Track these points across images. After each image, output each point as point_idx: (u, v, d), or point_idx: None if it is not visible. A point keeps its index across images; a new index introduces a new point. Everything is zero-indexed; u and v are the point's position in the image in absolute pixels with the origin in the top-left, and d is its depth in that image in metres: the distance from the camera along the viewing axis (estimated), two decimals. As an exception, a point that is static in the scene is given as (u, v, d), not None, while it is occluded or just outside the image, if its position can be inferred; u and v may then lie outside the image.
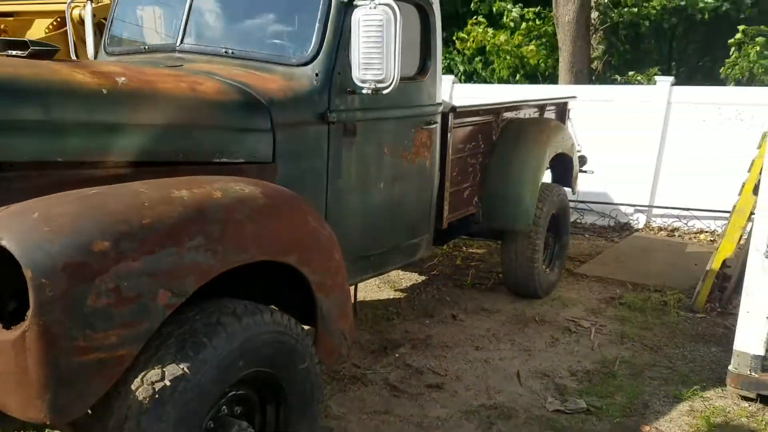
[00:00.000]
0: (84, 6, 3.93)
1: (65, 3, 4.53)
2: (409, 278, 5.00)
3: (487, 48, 10.68)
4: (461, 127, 3.87)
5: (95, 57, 3.40)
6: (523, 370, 3.48)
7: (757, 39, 8.69)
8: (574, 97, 5.55)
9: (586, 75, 9.22)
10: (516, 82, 10.51)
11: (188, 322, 1.82)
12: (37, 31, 4.74)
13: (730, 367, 3.21)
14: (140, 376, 1.72)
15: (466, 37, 10.81)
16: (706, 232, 6.36)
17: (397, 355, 3.60)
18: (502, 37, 10.39)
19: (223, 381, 1.85)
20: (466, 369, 3.48)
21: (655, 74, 9.97)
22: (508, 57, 10.49)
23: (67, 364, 1.58)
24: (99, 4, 3.91)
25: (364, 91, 2.59)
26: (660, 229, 6.59)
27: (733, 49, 8.94)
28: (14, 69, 1.98)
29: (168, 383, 1.71)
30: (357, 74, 2.55)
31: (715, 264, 4.47)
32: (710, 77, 10.04)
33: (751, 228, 3.47)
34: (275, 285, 2.24)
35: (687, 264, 5.37)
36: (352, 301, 2.80)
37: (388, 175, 3.10)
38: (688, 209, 6.47)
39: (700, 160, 6.40)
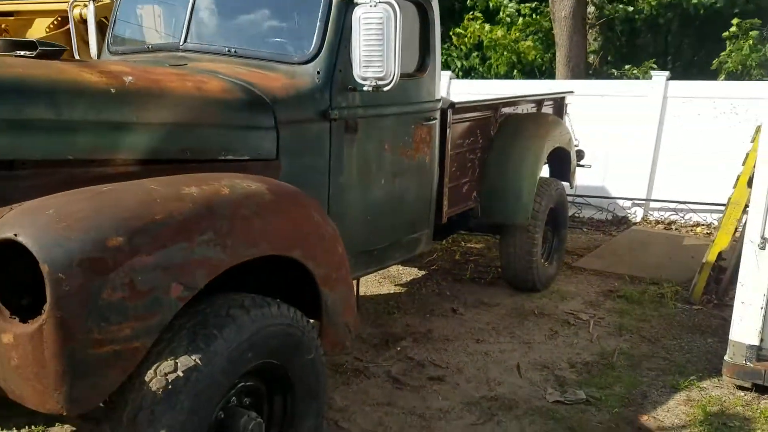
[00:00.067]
0: (85, 5, 3.97)
1: (66, 2, 4.56)
2: (409, 273, 5.05)
3: (485, 43, 10.71)
4: (460, 123, 3.92)
5: (98, 56, 3.44)
6: (523, 363, 3.53)
7: (750, 33, 8.76)
8: (571, 92, 5.61)
9: (582, 70, 9.27)
10: (513, 78, 10.55)
11: (199, 314, 1.87)
12: (38, 30, 4.76)
13: (725, 357, 3.27)
14: (154, 368, 1.76)
15: (463, 32, 10.84)
16: (703, 224, 6.43)
17: (398, 349, 3.66)
18: (499, 33, 10.42)
19: (233, 372, 1.90)
20: (466, 361, 3.54)
21: (651, 67, 10.03)
22: (505, 52, 10.53)
23: (83, 356, 1.62)
24: (99, 3, 3.94)
25: (365, 89, 2.63)
26: (657, 222, 6.65)
27: (728, 42, 9.02)
28: (24, 69, 2.02)
29: (181, 374, 1.76)
30: (358, 72, 2.60)
31: (711, 256, 4.54)
32: (706, 71, 10.08)
33: (746, 220, 3.52)
34: (278, 280, 2.29)
35: (684, 257, 5.43)
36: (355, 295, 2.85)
37: (389, 171, 3.15)
38: (684, 202, 6.54)
39: (696, 153, 6.46)
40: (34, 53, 2.14)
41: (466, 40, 10.80)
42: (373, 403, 3.08)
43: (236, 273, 1.97)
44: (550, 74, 10.34)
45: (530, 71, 10.99)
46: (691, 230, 6.39)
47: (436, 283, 4.83)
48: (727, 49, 9.07)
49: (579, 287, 4.80)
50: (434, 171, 3.56)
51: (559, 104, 5.31)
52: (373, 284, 4.73)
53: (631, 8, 10.27)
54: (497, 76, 10.79)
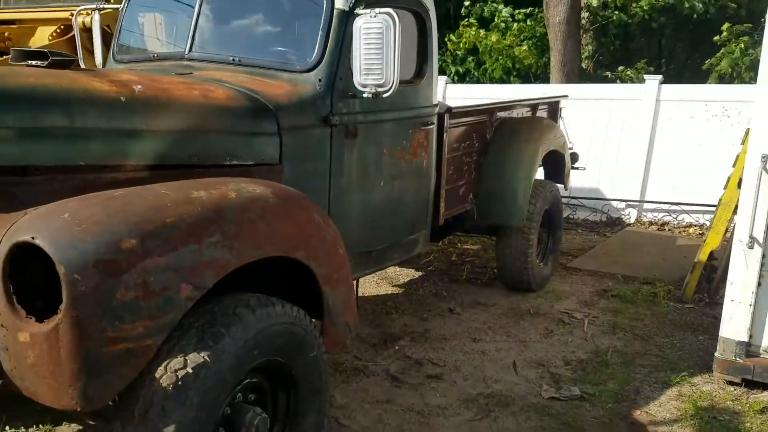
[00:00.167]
0: (89, 14, 4.05)
1: (67, 11, 4.64)
2: (407, 274, 5.13)
3: (480, 49, 10.82)
4: (456, 127, 4.01)
5: (103, 65, 3.51)
6: (519, 361, 3.62)
7: (741, 38, 8.90)
8: (565, 96, 5.70)
9: (577, 74, 9.38)
10: (509, 82, 10.65)
11: (207, 313, 1.94)
12: (40, 38, 4.82)
13: (716, 354, 3.36)
14: (164, 365, 1.83)
15: (455, 40, 10.96)
16: (695, 225, 6.53)
17: (397, 348, 3.74)
18: (494, 38, 10.52)
19: (240, 369, 1.97)
20: (463, 360, 3.62)
21: (643, 67, 10.14)
22: (500, 58, 10.63)
23: (97, 354, 1.69)
24: (103, 11, 4.02)
25: (364, 95, 2.72)
26: (651, 223, 6.75)
27: (720, 46, 9.16)
28: (36, 79, 2.10)
29: (190, 371, 1.82)
30: (358, 79, 2.68)
31: (702, 256, 4.63)
32: (699, 75, 10.21)
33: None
34: (282, 281, 2.37)
35: (676, 257, 5.53)
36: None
37: (388, 174, 3.23)
38: (677, 204, 6.64)
39: (688, 155, 6.57)
40: (46, 63, 2.21)
41: (461, 45, 10.90)
42: (373, 400, 3.15)
43: (242, 273, 2.05)
44: (544, 79, 10.45)
45: (525, 76, 11.10)
46: (684, 231, 6.48)
47: (434, 283, 4.91)
48: (720, 52, 9.20)
49: (574, 287, 4.89)
50: (431, 174, 3.65)
51: (554, 108, 5.41)
52: (371, 285, 4.81)
53: (624, 16, 10.38)
54: (492, 81, 10.89)
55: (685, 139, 6.63)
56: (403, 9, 3.13)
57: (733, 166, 4.80)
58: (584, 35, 10.55)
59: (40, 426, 2.75)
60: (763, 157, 3.12)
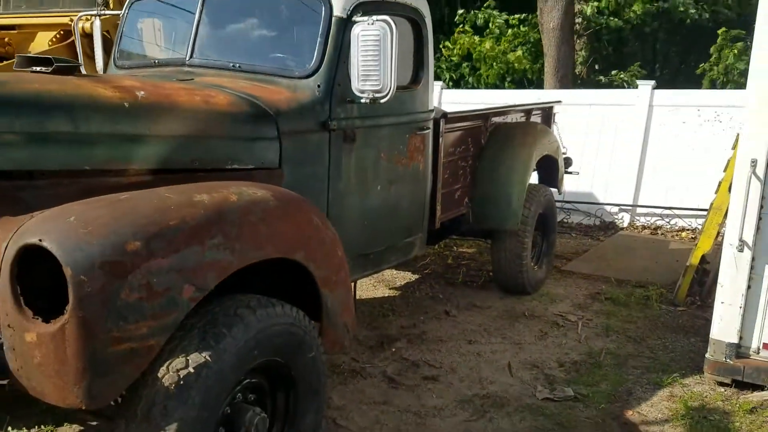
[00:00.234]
0: (87, 19, 4.09)
1: (67, 16, 4.68)
2: (403, 277, 5.18)
3: (474, 56, 10.90)
4: (452, 132, 4.06)
5: (104, 70, 3.56)
6: (514, 362, 3.67)
7: (735, 44, 9.00)
8: (559, 101, 5.77)
9: (570, 79, 9.46)
10: (503, 88, 10.73)
11: (209, 314, 1.99)
12: (40, 44, 4.86)
13: (706, 355, 3.42)
14: (166, 365, 1.86)
15: (451, 46, 11.04)
16: (688, 229, 6.60)
17: (393, 350, 3.78)
18: (488, 45, 10.61)
19: (240, 368, 2.01)
20: (459, 362, 3.66)
21: (637, 70, 10.23)
22: (494, 64, 10.72)
23: (102, 354, 1.73)
24: (103, 17, 4.06)
25: (362, 101, 2.78)
26: (644, 227, 6.81)
27: (713, 50, 9.26)
28: (41, 85, 2.14)
29: (192, 370, 1.86)
30: (356, 85, 2.74)
31: (694, 259, 4.69)
32: (693, 79, 10.31)
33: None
34: (282, 282, 2.41)
35: (669, 260, 5.59)
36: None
37: (385, 178, 3.28)
38: (670, 208, 6.70)
39: (681, 160, 6.64)
40: (50, 69, 2.26)
41: (455, 51, 10.98)
42: (370, 401, 3.19)
43: (243, 275, 2.10)
44: (539, 84, 10.53)
45: (519, 81, 11.19)
46: (677, 235, 6.56)
47: (430, 286, 4.96)
48: (712, 57, 9.30)
49: (568, 290, 4.95)
50: (428, 178, 3.70)
51: (548, 113, 5.47)
52: (368, 288, 4.86)
53: (619, 21, 10.48)
54: (487, 86, 10.97)
55: (677, 143, 6.71)
56: (400, 16, 3.19)
57: (725, 170, 4.86)
58: (578, 40, 10.64)
59: (42, 426, 2.78)
60: (752, 162, 3.19)
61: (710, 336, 3.39)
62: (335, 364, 3.51)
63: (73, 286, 1.68)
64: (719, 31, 9.31)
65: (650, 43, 13.31)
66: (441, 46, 11.15)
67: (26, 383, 1.83)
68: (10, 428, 2.72)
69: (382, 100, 2.74)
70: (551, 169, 5.08)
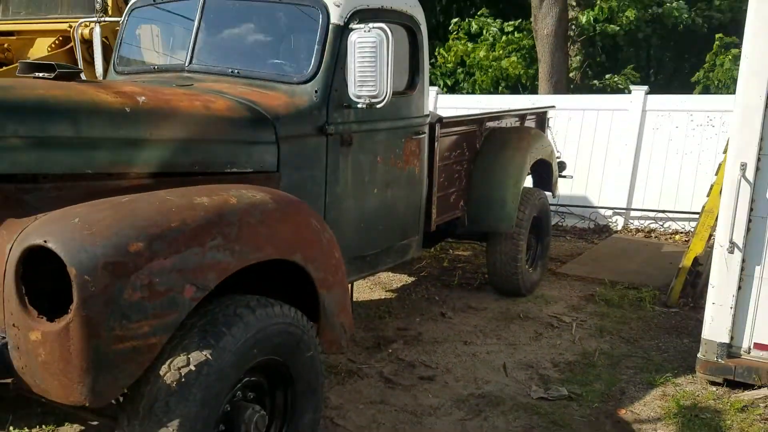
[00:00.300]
0: (86, 26, 4.14)
1: (66, 22, 4.73)
2: (400, 279, 5.23)
3: (468, 62, 10.99)
4: (447, 136, 4.12)
5: (104, 76, 3.60)
6: (509, 362, 3.71)
7: (731, 50, 9.09)
8: (553, 106, 5.84)
9: (564, 85, 9.55)
10: (498, 93, 10.82)
11: (209, 313, 2.03)
12: (39, 50, 4.90)
13: (698, 355, 3.46)
14: (168, 362, 1.90)
15: (445, 54, 11.13)
16: (681, 232, 6.66)
17: (390, 351, 3.82)
18: (482, 53, 10.69)
19: (240, 367, 2.05)
20: (455, 362, 3.71)
21: (631, 73, 10.31)
22: (489, 71, 10.81)
23: (105, 352, 1.77)
24: (103, 23, 4.11)
25: (359, 106, 2.83)
26: (637, 230, 6.88)
27: (708, 57, 9.36)
28: (45, 90, 2.18)
29: (193, 368, 1.90)
30: (353, 90, 2.79)
31: (687, 261, 4.75)
32: (687, 84, 10.40)
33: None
34: (280, 283, 2.46)
35: (662, 263, 5.65)
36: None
37: (381, 182, 3.33)
38: (663, 211, 6.77)
39: (674, 164, 6.72)
40: (53, 75, 2.30)
41: (449, 58, 11.07)
42: (367, 401, 3.23)
43: (242, 276, 2.14)
44: (533, 89, 10.62)
45: (514, 86, 11.28)
46: (670, 238, 6.62)
47: (426, 288, 5.01)
48: (707, 63, 9.40)
49: (562, 292, 5.00)
50: (423, 181, 3.75)
51: (542, 118, 5.54)
52: (365, 290, 4.90)
53: (615, 27, 10.57)
54: (482, 92, 11.06)
55: (670, 148, 6.78)
56: (396, 24, 3.25)
57: (716, 174, 4.93)
58: (572, 47, 10.73)
59: (43, 426, 2.82)
60: (742, 165, 3.25)
61: (702, 336, 3.44)
62: (332, 365, 3.55)
63: (78, 285, 1.72)
64: (716, 36, 9.40)
65: (644, 49, 13.42)
66: (436, 53, 11.24)
67: (30, 381, 1.86)
68: (11, 428, 2.75)
69: (379, 106, 2.80)
70: (545, 172, 5.14)
